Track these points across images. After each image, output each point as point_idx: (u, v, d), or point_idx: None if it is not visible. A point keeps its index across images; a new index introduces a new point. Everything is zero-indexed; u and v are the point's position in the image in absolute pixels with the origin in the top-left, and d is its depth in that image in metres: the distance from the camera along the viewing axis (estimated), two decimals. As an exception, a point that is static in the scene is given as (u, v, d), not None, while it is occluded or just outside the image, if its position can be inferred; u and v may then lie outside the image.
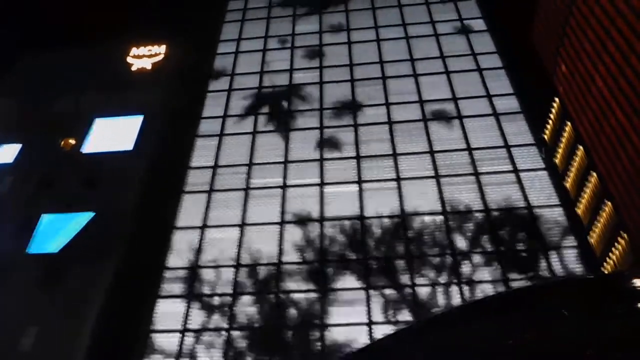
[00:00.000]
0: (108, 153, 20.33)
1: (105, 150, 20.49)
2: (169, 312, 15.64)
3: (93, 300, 15.53)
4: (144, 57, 24.46)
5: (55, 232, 17.81)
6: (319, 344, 14.45)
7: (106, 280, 16.13)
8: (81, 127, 21.32)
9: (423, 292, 15.20)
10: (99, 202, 18.51)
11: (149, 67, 24.12)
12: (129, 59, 24.47)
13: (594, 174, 16.26)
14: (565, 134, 18.21)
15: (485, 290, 14.97)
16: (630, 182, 14.53)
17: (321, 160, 19.40)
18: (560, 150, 18.30)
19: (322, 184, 18.56)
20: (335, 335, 14.56)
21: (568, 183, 17.43)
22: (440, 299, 14.97)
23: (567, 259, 15.47)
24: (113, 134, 21.12)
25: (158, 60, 24.31)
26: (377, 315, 14.85)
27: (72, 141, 20.64)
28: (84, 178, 19.37)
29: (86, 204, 18.44)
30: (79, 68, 24.03)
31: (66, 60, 24.78)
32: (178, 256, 17.04)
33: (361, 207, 17.59)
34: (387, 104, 21.26)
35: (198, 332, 15.14)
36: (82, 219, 18.06)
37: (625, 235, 14.48)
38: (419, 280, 15.44)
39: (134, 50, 24.77)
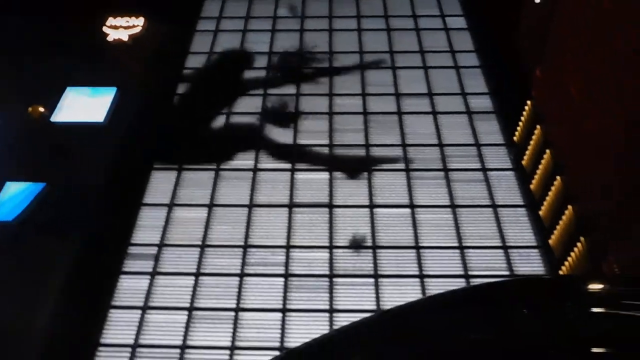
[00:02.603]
0: (78, 123, 19.91)
1: (75, 120, 20.06)
2: (131, 288, 15.54)
3: (55, 272, 15.30)
4: (120, 28, 23.90)
5: (19, 201, 17.41)
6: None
7: (70, 253, 15.90)
8: (51, 95, 20.77)
9: (385, 282, 15.47)
10: (67, 172, 18.16)
11: (125, 38, 23.59)
12: (105, 29, 23.88)
13: (558, 178, 16.69)
14: (535, 137, 18.60)
15: (444, 285, 15.28)
16: (593, 188, 14.99)
17: (294, 146, 19.41)
18: (528, 152, 18.70)
19: (293, 170, 18.60)
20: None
21: (533, 185, 17.86)
22: (400, 292, 15.26)
23: (527, 259, 15.95)
24: (84, 104, 20.67)
25: (135, 32, 23.79)
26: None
27: (41, 109, 20.12)
28: (52, 147, 18.95)
29: (53, 174, 18.06)
30: (51, 35, 23.34)
31: (39, 26, 24.03)
32: (144, 233, 16.90)
33: (331, 196, 17.72)
34: (363, 94, 21.37)
35: (160, 310, 15.09)
36: (47, 188, 17.69)
37: (583, 239, 14.96)
38: (382, 272, 15.69)
39: (111, 20, 24.17)
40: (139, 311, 15.04)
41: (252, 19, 25.44)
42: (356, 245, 16.38)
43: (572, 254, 15.22)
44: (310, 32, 24.51)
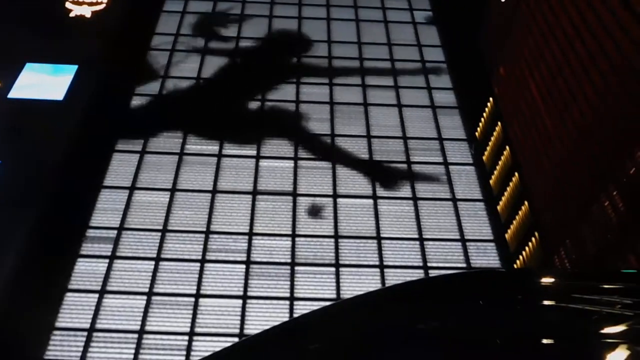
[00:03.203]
0: (36, 101, 19.26)
1: (33, 97, 19.40)
2: (88, 271, 15.26)
3: (8, 253, 14.86)
4: (84, 4, 23.17)
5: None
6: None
7: (24, 233, 15.45)
8: (8, 70, 20.02)
9: (346, 271, 15.64)
10: (22, 151, 17.58)
11: (88, 15, 22.88)
12: (68, 5, 23.11)
13: (516, 175, 17.16)
14: (495, 134, 19.05)
15: (403, 276, 15.55)
16: (548, 185, 15.50)
17: (259, 133, 19.33)
18: (488, 149, 19.15)
19: (258, 158, 18.53)
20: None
21: (492, 180, 18.32)
22: (360, 281, 15.46)
23: (484, 252, 16.39)
24: (44, 81, 20.00)
25: (99, 9, 23.10)
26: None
27: (-3, 84, 19.42)
28: (7, 124, 18.30)
29: (7, 152, 17.46)
30: (11, 8, 22.43)
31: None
32: (103, 215, 16.58)
33: (295, 184, 17.75)
34: (330, 84, 21.42)
35: (118, 294, 14.89)
36: (2, 166, 17.12)
37: (537, 235, 15.46)
38: (343, 261, 15.86)
39: (74, -5, 23.44)
40: (96, 295, 14.80)
41: (220, 2, 25.08)
42: (314, 212, 16.62)
43: (527, 248, 15.73)
44: (279, 18, 24.35)
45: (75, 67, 20.42)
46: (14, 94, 19.53)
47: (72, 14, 22.89)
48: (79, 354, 13.66)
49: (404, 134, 19.63)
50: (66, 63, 20.53)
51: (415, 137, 19.58)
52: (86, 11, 23.02)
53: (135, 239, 16.12)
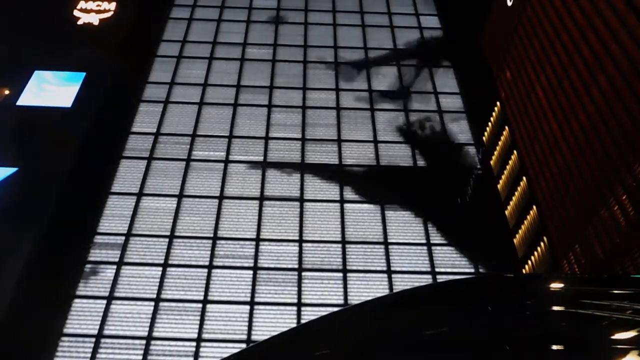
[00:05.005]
0: (44, 108, 19.40)
1: (41, 104, 19.54)
2: (96, 278, 15.30)
3: (17, 259, 14.93)
4: (91, 11, 23.36)
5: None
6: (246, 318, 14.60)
7: (31, 239, 15.53)
8: (18, 77, 20.19)
9: (353, 277, 15.59)
10: (30, 157, 17.69)
11: (96, 22, 23.07)
12: (76, 12, 23.31)
13: (524, 179, 17.07)
14: (503, 138, 18.98)
15: (411, 281, 15.49)
16: (556, 189, 15.40)
17: (266, 138, 19.36)
18: (496, 153, 19.07)
19: (264, 163, 18.55)
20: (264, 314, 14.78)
21: (500, 185, 18.23)
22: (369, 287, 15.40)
23: (492, 257, 16.29)
24: (52, 88, 20.16)
25: (106, 17, 23.29)
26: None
27: (6, 91, 19.56)
28: (16, 131, 18.44)
29: (16, 159, 17.58)
30: (21, 15, 22.65)
31: (7, 7, 23.28)
32: (111, 222, 16.64)
33: (302, 190, 17.74)
34: (337, 90, 21.42)
35: (125, 300, 14.91)
36: (9, 173, 17.23)
37: (545, 239, 15.36)
38: (350, 267, 15.81)
39: (82, 4, 23.61)
40: (104, 301, 14.83)
41: (227, 8, 25.20)
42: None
43: (535, 253, 15.63)
44: (285, 24, 24.43)
45: (83, 74, 20.57)
46: (23, 101, 19.69)
47: (80, 22, 23.07)
48: (87, 360, 13.69)
49: (410, 139, 19.57)
50: (74, 70, 20.68)
51: (422, 142, 19.53)
52: (94, 19, 23.20)
53: (142, 245, 16.16)
